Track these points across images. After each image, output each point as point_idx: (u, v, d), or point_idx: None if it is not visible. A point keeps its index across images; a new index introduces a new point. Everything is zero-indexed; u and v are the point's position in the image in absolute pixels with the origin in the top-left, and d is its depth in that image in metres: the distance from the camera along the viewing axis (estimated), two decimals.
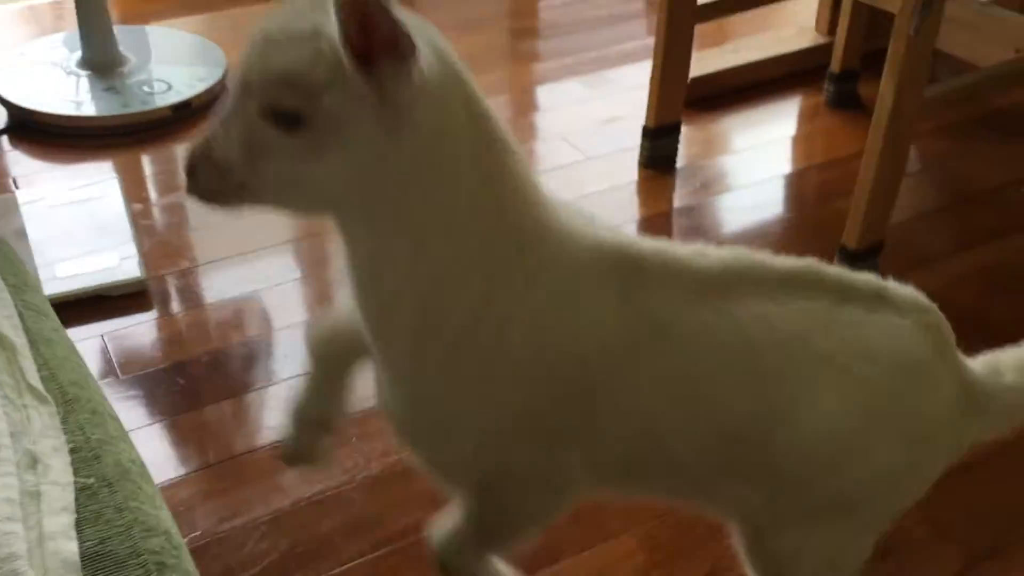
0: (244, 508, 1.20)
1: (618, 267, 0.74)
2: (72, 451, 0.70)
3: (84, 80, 2.05)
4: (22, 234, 1.54)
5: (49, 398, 0.74)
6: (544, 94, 2.19)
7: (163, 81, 2.05)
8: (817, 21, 2.23)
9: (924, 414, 0.80)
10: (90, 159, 1.89)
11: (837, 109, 2.07)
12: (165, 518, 0.69)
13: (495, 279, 0.71)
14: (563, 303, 0.73)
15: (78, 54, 2.09)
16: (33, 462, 0.68)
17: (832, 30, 2.14)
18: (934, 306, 0.82)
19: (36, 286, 0.91)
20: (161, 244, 1.63)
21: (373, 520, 1.19)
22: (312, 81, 0.63)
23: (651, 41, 1.80)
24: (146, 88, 2.02)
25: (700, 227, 1.75)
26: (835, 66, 2.06)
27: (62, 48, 2.15)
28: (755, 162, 1.94)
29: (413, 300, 0.72)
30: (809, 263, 0.79)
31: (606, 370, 0.75)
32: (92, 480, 0.68)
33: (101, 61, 2.07)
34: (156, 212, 1.73)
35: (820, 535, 0.83)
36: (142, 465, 0.73)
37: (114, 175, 1.78)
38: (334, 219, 0.71)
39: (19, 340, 0.78)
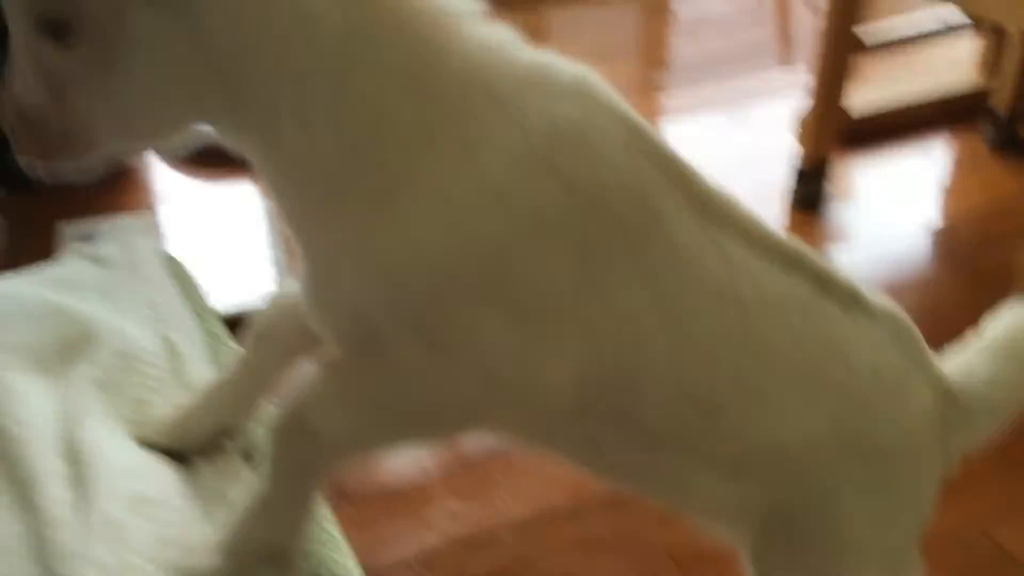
0: (394, 543, 1.20)
1: (625, 135, 0.62)
2: None
3: None
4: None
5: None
6: (679, 127, 2.16)
7: None
8: (978, 61, 2.15)
9: (902, 426, 0.72)
10: (240, 180, 1.93)
11: (998, 152, 1.98)
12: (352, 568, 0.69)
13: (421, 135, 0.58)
14: (587, 145, 0.61)
15: None
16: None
17: (993, 71, 2.05)
18: (903, 313, 0.74)
19: (214, 311, 0.92)
20: None
21: (523, 563, 1.17)
22: None
23: (787, 73, 1.75)
24: None
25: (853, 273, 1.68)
26: (998, 108, 1.97)
27: None
28: (909, 207, 1.86)
29: (323, 178, 0.60)
30: (816, 261, 0.69)
31: (627, 216, 0.61)
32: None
33: None
34: None
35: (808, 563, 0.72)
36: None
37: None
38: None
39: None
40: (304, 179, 0.60)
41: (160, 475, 0.69)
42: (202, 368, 0.80)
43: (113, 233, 1.03)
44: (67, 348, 0.80)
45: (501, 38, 0.61)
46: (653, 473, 0.71)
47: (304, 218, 0.63)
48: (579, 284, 0.61)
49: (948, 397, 0.74)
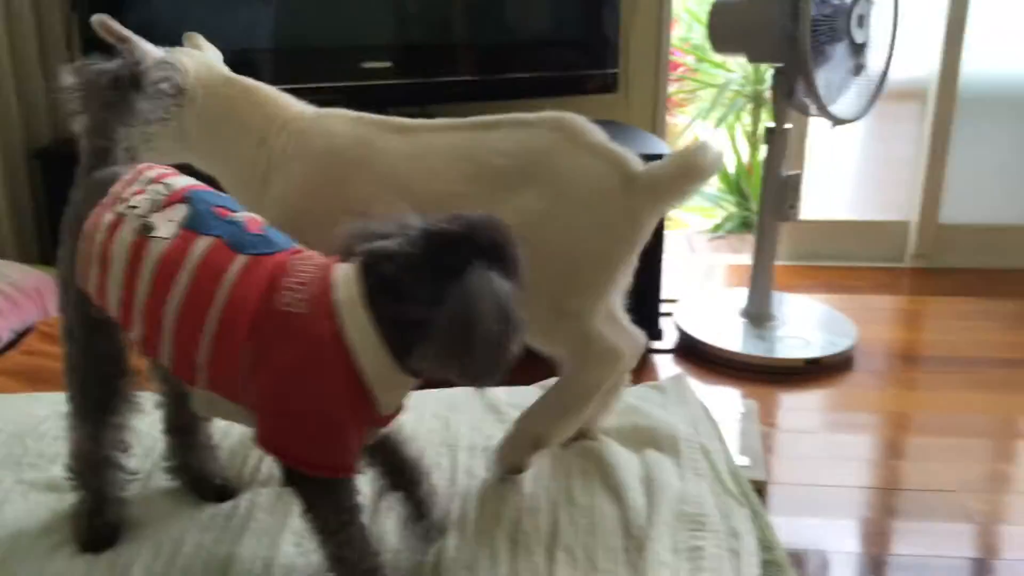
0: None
1: (350, 118, 1.29)
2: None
3: (742, 325, 2.63)
4: None
5: (745, 503, 1.16)
6: None
7: (802, 339, 2.53)
8: None
9: (563, 179, 1.15)
10: (734, 385, 2.41)
11: None
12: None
13: (271, 150, 1.29)
14: (320, 135, 1.27)
15: (742, 305, 2.68)
16: (735, 535, 1.10)
17: None
18: (569, 115, 1.20)
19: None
20: (779, 459, 2.04)
21: None
22: None
23: None
24: (788, 342, 2.52)
25: None
26: None
27: (731, 298, 2.77)
28: None
29: (240, 186, 1.29)
30: (485, 117, 1.23)
31: (352, 166, 1.23)
32: (769, 558, 1.08)
33: (758, 314, 2.64)
34: (779, 436, 2.15)
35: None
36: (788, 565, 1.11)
37: (752, 400, 2.26)
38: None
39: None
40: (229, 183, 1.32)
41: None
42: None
43: (674, 379, 1.55)
44: (640, 435, 1.30)
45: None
46: None
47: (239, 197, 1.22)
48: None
49: (626, 169, 1.16)
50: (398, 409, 1.01)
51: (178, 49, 1.35)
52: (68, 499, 1.14)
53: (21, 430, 1.35)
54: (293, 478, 0.95)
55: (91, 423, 1.07)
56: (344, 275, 0.94)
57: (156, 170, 1.04)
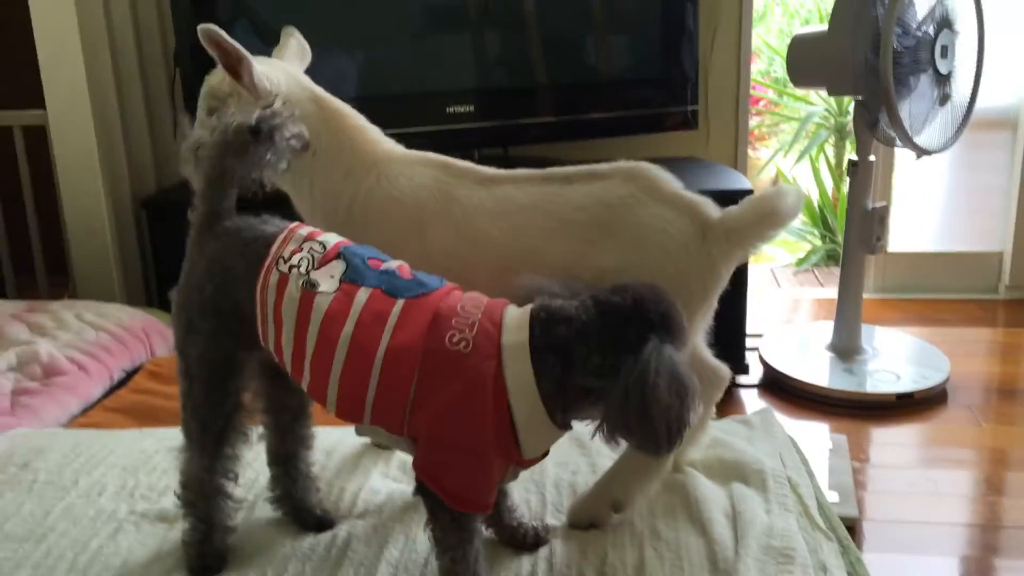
0: None
1: (436, 164, 1.31)
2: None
3: (829, 359, 2.60)
4: None
5: (833, 537, 1.16)
6: None
7: (893, 373, 2.49)
8: None
9: (640, 231, 1.16)
10: (820, 420, 2.38)
11: None
12: None
13: (357, 185, 1.31)
14: (407, 179, 1.29)
15: (829, 339, 2.65)
16: (824, 569, 1.10)
17: None
18: (643, 165, 1.21)
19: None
20: (871, 496, 2.00)
21: None
22: (220, 91, 1.30)
23: None
24: (878, 376, 2.48)
25: None
26: None
27: (818, 332, 2.74)
28: None
29: (318, 212, 1.33)
30: (559, 169, 1.25)
31: (430, 214, 1.26)
32: None
33: (846, 348, 2.61)
34: (870, 471, 2.12)
35: None
36: None
37: (842, 434, 2.23)
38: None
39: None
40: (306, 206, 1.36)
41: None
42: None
43: (760, 413, 1.55)
44: (726, 469, 1.31)
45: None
46: None
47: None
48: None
49: (697, 218, 1.16)
50: (544, 454, 1.06)
51: (267, 61, 1.36)
52: (177, 529, 1.20)
53: (133, 464, 1.43)
54: (424, 489, 1.01)
55: (208, 455, 1.13)
56: (516, 321, 1.00)
57: (306, 228, 1.11)
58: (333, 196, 1.32)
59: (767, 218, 1.15)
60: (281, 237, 1.09)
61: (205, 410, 1.11)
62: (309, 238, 1.09)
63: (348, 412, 1.04)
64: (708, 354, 1.29)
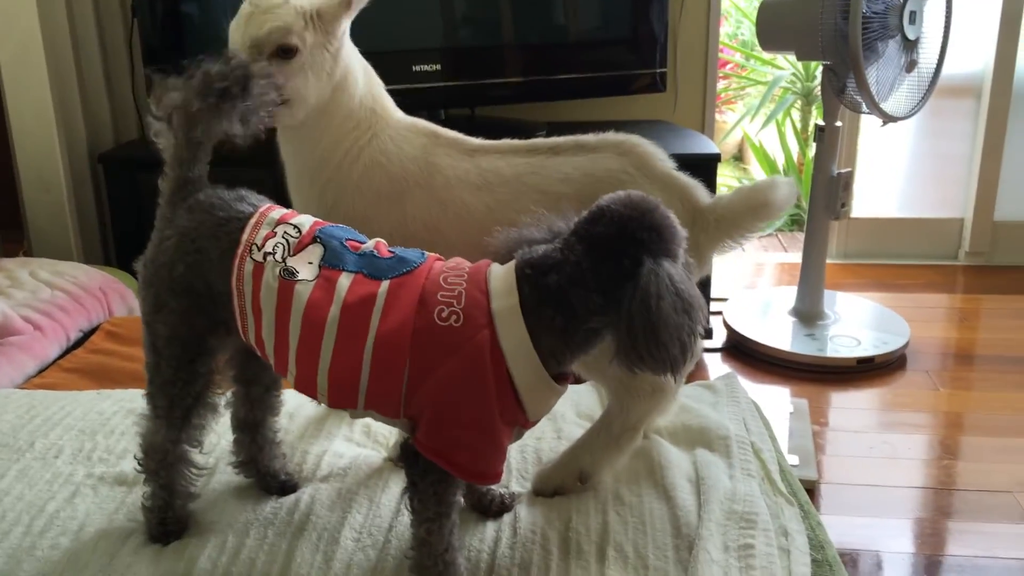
0: None
1: (426, 133, 1.28)
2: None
3: (791, 324, 2.62)
4: None
5: (794, 502, 1.17)
6: None
7: (853, 338, 2.52)
8: None
9: None
10: (782, 384, 2.40)
11: None
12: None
13: (352, 142, 1.26)
14: (395, 144, 1.26)
15: (792, 303, 2.67)
16: (785, 533, 1.11)
17: None
18: (635, 139, 1.18)
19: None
20: (830, 459, 2.03)
21: None
22: (299, 26, 1.20)
23: None
24: (839, 341, 2.51)
25: None
26: None
27: (781, 296, 2.76)
28: None
29: (307, 158, 1.27)
30: (546, 139, 1.22)
31: (412, 183, 1.24)
32: (819, 557, 1.08)
33: (808, 313, 2.63)
34: (830, 435, 2.15)
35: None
36: (840, 564, 1.12)
37: (803, 398, 2.25)
38: (289, 121, 1.25)
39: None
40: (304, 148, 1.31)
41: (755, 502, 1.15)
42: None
43: (725, 378, 1.56)
44: (691, 434, 1.31)
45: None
46: None
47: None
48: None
49: (686, 201, 1.15)
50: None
51: None
52: (136, 493, 1.18)
53: (91, 426, 1.40)
54: (410, 459, 1.00)
55: (176, 429, 1.10)
56: (503, 283, 0.97)
57: (277, 210, 1.07)
58: (331, 148, 1.27)
59: (758, 209, 1.14)
60: (253, 221, 1.05)
61: (174, 387, 1.08)
62: (282, 221, 1.05)
63: (340, 400, 1.01)
64: None
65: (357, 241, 1.05)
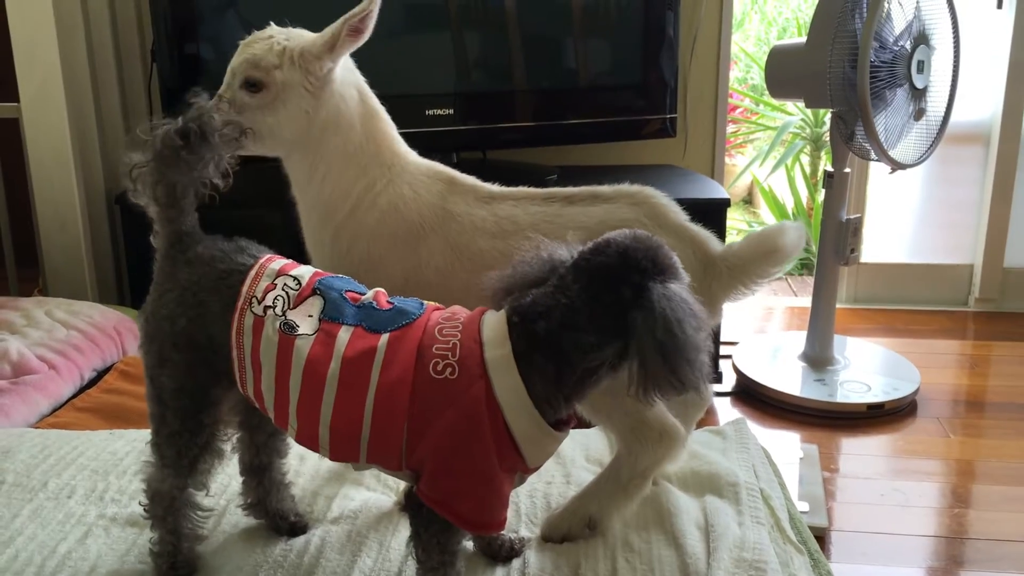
0: None
1: (443, 179, 1.29)
2: None
3: (801, 369, 2.62)
4: None
5: (804, 550, 1.17)
6: None
7: (864, 384, 2.51)
8: None
9: None
10: (791, 429, 2.40)
11: None
12: None
13: (367, 187, 1.27)
14: (412, 190, 1.27)
15: (801, 348, 2.67)
16: None
17: None
18: (648, 190, 1.20)
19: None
20: (840, 506, 2.02)
21: None
22: (268, 62, 1.23)
23: None
24: (849, 386, 2.51)
25: None
26: None
27: (791, 341, 2.76)
28: None
29: (319, 201, 1.28)
30: (561, 189, 1.24)
31: (428, 229, 1.26)
32: None
33: (818, 357, 2.63)
34: (840, 481, 2.14)
35: None
36: None
37: (812, 444, 2.25)
38: (284, 158, 1.28)
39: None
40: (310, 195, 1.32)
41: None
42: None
43: (734, 424, 1.56)
44: (700, 480, 1.31)
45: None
46: None
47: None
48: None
49: (699, 249, 1.16)
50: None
51: (280, 31, 1.30)
52: (147, 534, 1.19)
53: (104, 466, 1.41)
54: (413, 508, 1.00)
55: (183, 476, 1.10)
56: (495, 332, 0.97)
57: (278, 261, 1.08)
58: (342, 192, 1.28)
59: (769, 255, 1.15)
60: (252, 273, 1.05)
61: (181, 438, 1.08)
62: (282, 272, 1.06)
63: (343, 454, 1.01)
64: None
65: (357, 292, 1.05)
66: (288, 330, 1.00)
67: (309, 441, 1.02)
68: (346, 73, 1.31)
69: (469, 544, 1.13)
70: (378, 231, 1.28)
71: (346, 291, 1.05)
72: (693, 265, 1.15)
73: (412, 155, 1.34)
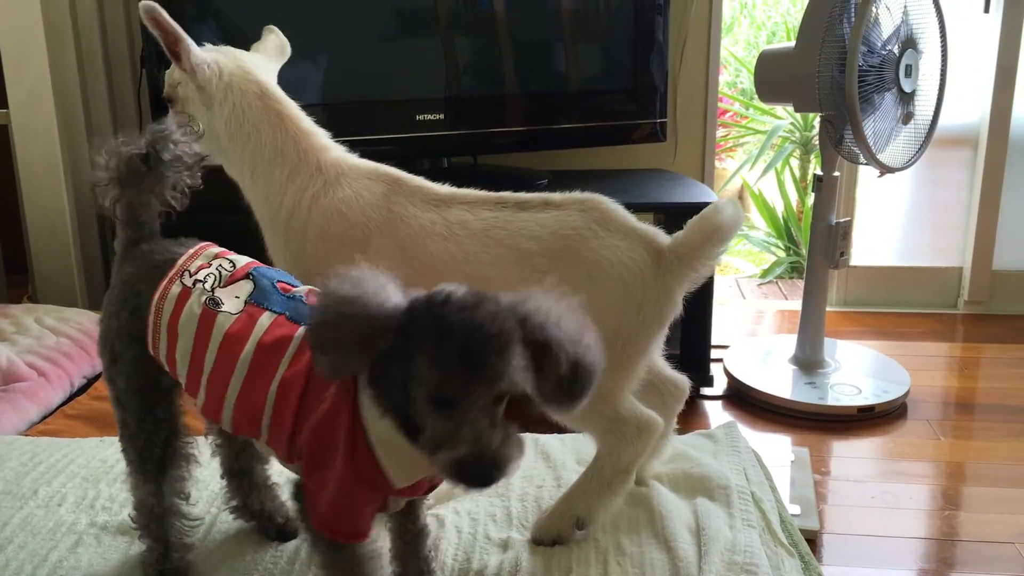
0: None
1: (386, 180, 1.29)
2: None
3: (792, 372, 2.62)
4: None
5: (795, 553, 1.18)
6: None
7: (854, 387, 2.52)
8: None
9: (594, 262, 1.16)
10: (783, 432, 2.40)
11: None
12: None
13: (301, 190, 1.28)
14: (353, 191, 1.28)
15: (792, 351, 2.68)
16: None
17: None
18: (597, 196, 1.21)
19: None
20: (831, 508, 2.03)
21: None
22: (174, 79, 1.32)
23: None
24: (840, 389, 2.51)
25: None
26: None
27: (781, 344, 2.77)
28: None
29: (261, 207, 1.32)
30: (512, 194, 1.24)
31: (374, 230, 1.25)
32: None
33: (809, 361, 2.63)
34: (831, 484, 2.14)
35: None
36: None
37: (804, 447, 2.25)
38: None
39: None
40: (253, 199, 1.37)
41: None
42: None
43: (725, 427, 1.57)
44: (691, 483, 1.32)
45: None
46: None
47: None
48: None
49: (650, 247, 1.18)
50: (432, 482, 1.00)
51: (223, 49, 1.36)
52: (139, 542, 1.19)
53: (94, 474, 1.41)
54: (312, 534, 0.98)
55: (152, 481, 1.11)
56: None
57: (217, 248, 1.10)
58: (276, 196, 1.32)
59: (713, 236, 1.17)
60: (190, 252, 1.08)
61: (139, 439, 1.09)
62: (220, 256, 1.08)
63: (244, 432, 1.02)
64: (666, 366, 1.30)
65: (289, 284, 1.06)
66: (212, 305, 1.02)
67: (214, 414, 1.03)
68: (244, 80, 1.34)
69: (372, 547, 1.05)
70: (325, 234, 1.29)
71: (278, 281, 1.05)
72: (644, 260, 1.17)
73: (352, 158, 1.36)
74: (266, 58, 1.41)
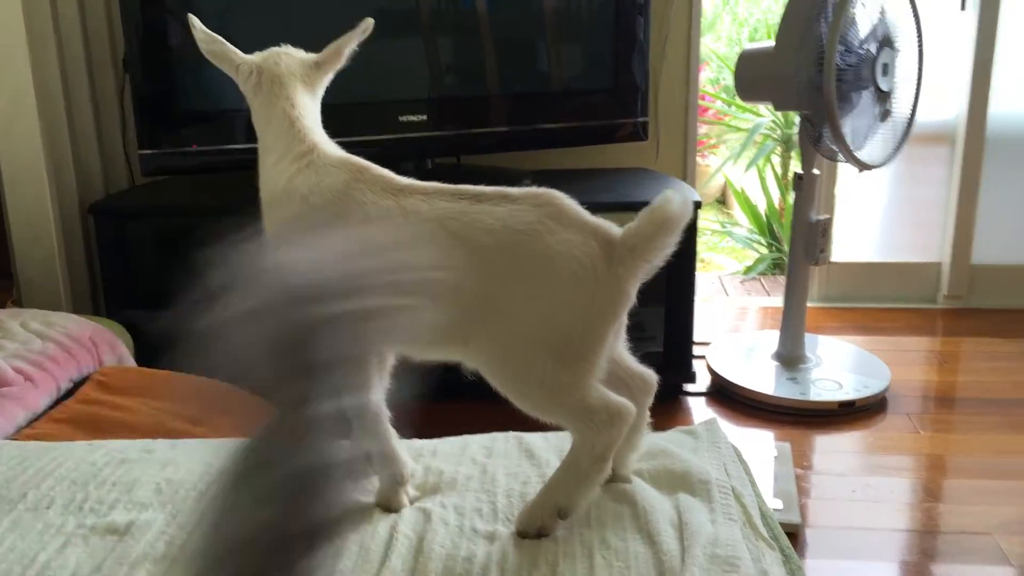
0: None
1: (350, 168, 1.32)
2: None
3: (774, 368, 2.65)
4: None
5: (775, 546, 1.20)
6: None
7: (835, 382, 2.55)
8: None
9: (546, 255, 1.17)
10: (765, 428, 2.43)
11: None
12: None
13: (294, 168, 1.34)
14: (319, 177, 1.31)
15: (774, 347, 2.71)
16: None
17: None
18: (552, 192, 1.22)
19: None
20: (813, 502, 2.06)
21: None
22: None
23: None
24: (821, 384, 2.54)
25: None
26: None
27: (764, 340, 2.80)
28: None
29: (264, 178, 1.38)
30: (471, 187, 1.25)
31: (333, 216, 1.28)
32: None
33: (790, 356, 2.66)
34: (813, 478, 2.17)
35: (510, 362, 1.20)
36: None
37: (786, 442, 2.28)
38: None
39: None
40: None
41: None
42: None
43: (706, 424, 1.59)
44: (673, 479, 1.34)
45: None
46: None
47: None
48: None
49: (603, 239, 1.19)
50: None
51: (270, 51, 1.48)
52: (126, 542, 1.20)
53: (82, 477, 1.41)
54: None
55: None
56: None
57: None
58: (270, 177, 1.38)
59: (663, 226, 1.18)
60: None
61: None
62: None
63: None
64: (633, 361, 1.32)
65: None
66: None
67: None
68: (271, 66, 1.45)
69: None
70: (288, 221, 1.33)
71: None
72: (596, 252, 1.18)
73: (330, 146, 1.39)
74: (315, 66, 1.48)
